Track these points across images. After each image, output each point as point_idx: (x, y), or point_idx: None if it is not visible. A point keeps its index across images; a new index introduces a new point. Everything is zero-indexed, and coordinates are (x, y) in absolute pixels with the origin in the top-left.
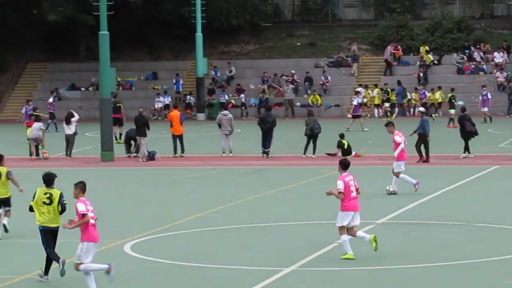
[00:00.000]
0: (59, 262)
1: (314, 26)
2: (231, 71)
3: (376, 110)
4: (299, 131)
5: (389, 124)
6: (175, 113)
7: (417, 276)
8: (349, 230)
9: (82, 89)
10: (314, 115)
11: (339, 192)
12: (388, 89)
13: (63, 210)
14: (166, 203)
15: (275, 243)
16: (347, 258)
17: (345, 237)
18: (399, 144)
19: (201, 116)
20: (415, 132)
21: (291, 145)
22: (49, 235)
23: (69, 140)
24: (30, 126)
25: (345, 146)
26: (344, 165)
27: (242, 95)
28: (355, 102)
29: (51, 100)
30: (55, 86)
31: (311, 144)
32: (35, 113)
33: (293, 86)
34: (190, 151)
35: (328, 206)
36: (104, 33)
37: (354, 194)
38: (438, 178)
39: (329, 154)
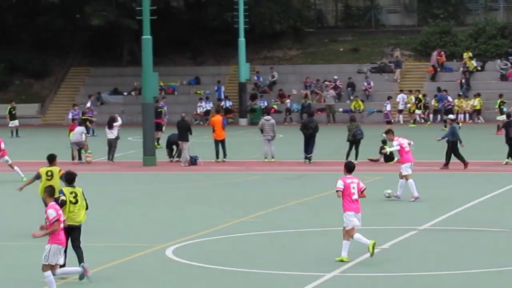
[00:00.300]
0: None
1: (357, 32)
2: (273, 76)
3: (417, 116)
4: (341, 136)
5: (388, 132)
6: (217, 118)
7: (459, 282)
8: (349, 231)
9: (125, 93)
10: (356, 121)
11: (337, 191)
12: (420, 96)
13: (87, 207)
14: (207, 208)
15: (317, 248)
16: (342, 260)
17: (350, 240)
18: (403, 147)
19: (243, 121)
20: (443, 138)
21: (333, 151)
22: (70, 232)
23: (111, 145)
24: (72, 130)
25: (387, 152)
26: (349, 168)
27: (287, 101)
28: (388, 108)
29: (89, 104)
30: (98, 90)
31: (353, 150)
32: (84, 117)
33: (333, 93)
34: (232, 156)
35: (369, 212)
36: (147, 37)
37: (355, 196)
38: (481, 184)
39: (371, 160)
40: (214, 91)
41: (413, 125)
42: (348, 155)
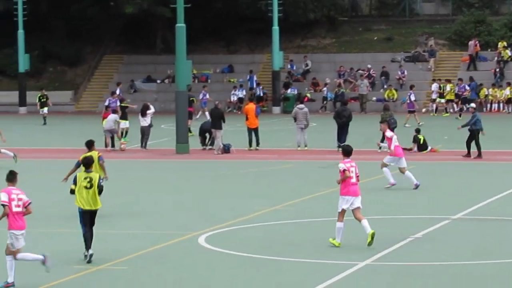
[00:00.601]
0: (87, 251)
1: (391, 21)
2: (307, 65)
3: (451, 105)
4: (374, 126)
5: (383, 122)
6: (251, 106)
7: (491, 272)
8: (355, 212)
9: (158, 81)
10: (390, 110)
11: (344, 170)
12: (442, 85)
13: (100, 191)
14: (240, 196)
15: (349, 237)
16: (333, 244)
17: (340, 225)
18: (391, 138)
19: (276, 109)
20: (463, 126)
21: (366, 140)
22: (87, 217)
23: (144, 132)
24: (105, 118)
25: (421, 141)
26: (346, 152)
27: (324, 89)
28: (412, 98)
29: (118, 92)
30: (131, 78)
31: None
32: (123, 104)
33: (367, 82)
34: (265, 144)
35: (401, 201)
36: (181, 25)
37: (353, 180)
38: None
39: (404, 149)
40: (247, 80)
41: (446, 115)
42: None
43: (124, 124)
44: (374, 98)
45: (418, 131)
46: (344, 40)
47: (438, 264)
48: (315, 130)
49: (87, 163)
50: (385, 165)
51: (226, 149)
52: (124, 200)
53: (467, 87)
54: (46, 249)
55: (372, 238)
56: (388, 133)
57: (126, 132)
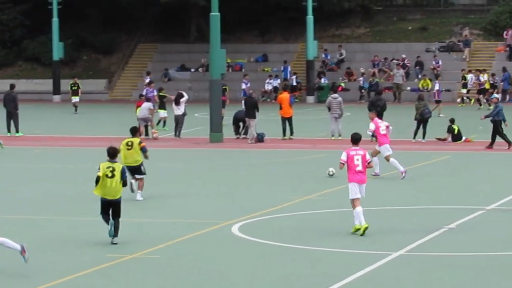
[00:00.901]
0: (109, 224)
1: (426, 11)
2: (341, 54)
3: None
4: (409, 115)
5: (371, 110)
6: (285, 96)
7: None
8: (353, 201)
9: (192, 70)
10: (424, 100)
11: (340, 163)
12: (465, 75)
13: (124, 184)
14: (273, 186)
15: (383, 227)
16: (359, 229)
17: (359, 209)
18: (379, 129)
19: (310, 99)
20: (486, 117)
21: (400, 129)
22: (108, 206)
23: (178, 121)
24: (139, 106)
25: (455, 131)
26: (354, 139)
27: (360, 78)
28: (436, 87)
29: (147, 80)
30: (165, 66)
31: (420, 129)
32: (161, 94)
33: (402, 71)
34: (299, 134)
35: (437, 191)
36: (215, 14)
37: (359, 168)
38: None
39: (439, 139)
40: (281, 70)
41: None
42: (415, 134)
43: (164, 113)
44: (409, 88)
45: (452, 121)
46: (378, 29)
47: (472, 255)
48: (349, 119)
49: (112, 153)
50: (387, 158)
51: (259, 138)
52: (157, 189)
53: (481, 79)
54: (81, 237)
55: (364, 231)
56: (372, 125)
57: (165, 122)
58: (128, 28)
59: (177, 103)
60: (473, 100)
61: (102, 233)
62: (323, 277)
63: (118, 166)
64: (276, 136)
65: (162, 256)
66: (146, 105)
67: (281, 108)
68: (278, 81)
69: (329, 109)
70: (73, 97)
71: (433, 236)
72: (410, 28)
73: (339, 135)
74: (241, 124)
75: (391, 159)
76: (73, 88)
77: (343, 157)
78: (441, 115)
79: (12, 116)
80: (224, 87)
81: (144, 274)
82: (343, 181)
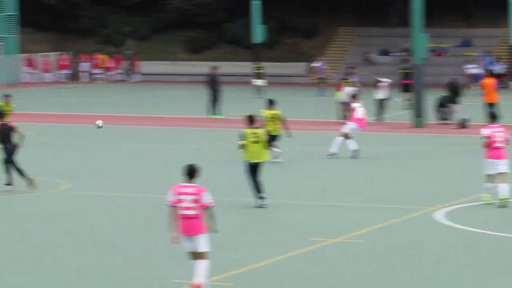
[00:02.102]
0: (259, 196)
1: None
2: None
3: None
4: None
5: (354, 96)
6: (490, 81)
7: None
8: (498, 176)
9: (395, 54)
10: None
11: (486, 137)
12: None
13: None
14: (478, 171)
15: None
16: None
17: (489, 185)
18: (354, 110)
19: None
20: None
21: None
22: (254, 169)
23: (381, 105)
24: (339, 90)
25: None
26: (493, 117)
27: None
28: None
29: (319, 64)
30: (365, 50)
31: None
32: (346, 81)
33: None
34: (503, 120)
35: None
36: None
37: (497, 144)
38: None
39: None
40: (484, 56)
41: None
42: None
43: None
44: None
45: None
46: None
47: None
48: None
49: (251, 120)
50: (346, 135)
51: (463, 124)
52: (360, 173)
53: None
54: (284, 220)
55: (503, 201)
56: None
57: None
58: (329, 12)
59: (380, 87)
60: None
61: (308, 216)
62: None
63: (261, 131)
64: (480, 121)
65: (365, 241)
66: (348, 90)
67: (485, 94)
68: (482, 66)
69: None
70: (256, 80)
71: None
72: None
73: None
74: (446, 109)
75: (341, 138)
76: (258, 71)
77: (486, 132)
78: None
79: (215, 97)
80: (407, 71)
81: (347, 258)
82: None
